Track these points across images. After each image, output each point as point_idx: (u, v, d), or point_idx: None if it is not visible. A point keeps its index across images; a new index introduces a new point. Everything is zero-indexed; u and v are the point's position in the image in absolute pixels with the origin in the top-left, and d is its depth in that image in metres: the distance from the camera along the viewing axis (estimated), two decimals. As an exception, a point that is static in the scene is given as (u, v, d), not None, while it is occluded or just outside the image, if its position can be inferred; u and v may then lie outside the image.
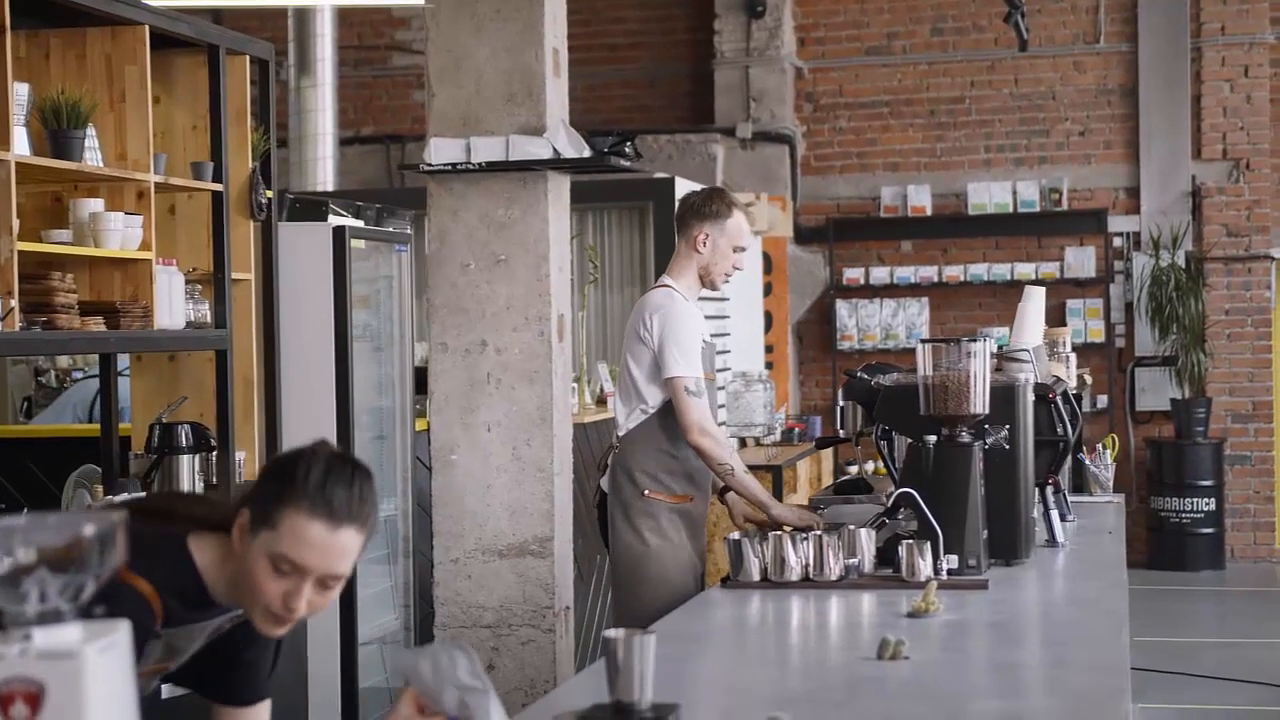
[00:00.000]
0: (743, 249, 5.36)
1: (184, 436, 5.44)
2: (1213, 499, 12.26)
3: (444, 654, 2.55)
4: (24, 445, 6.62)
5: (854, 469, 12.25)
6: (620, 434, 5.33)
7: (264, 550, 2.57)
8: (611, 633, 2.76)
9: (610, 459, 5.40)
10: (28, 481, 6.35)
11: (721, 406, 9.95)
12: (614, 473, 5.30)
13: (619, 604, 5.34)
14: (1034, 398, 4.84)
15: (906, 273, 12.89)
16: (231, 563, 2.64)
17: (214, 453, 5.60)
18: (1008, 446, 4.54)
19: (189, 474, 5.44)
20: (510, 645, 5.73)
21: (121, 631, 1.80)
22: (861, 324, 12.98)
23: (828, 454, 11.28)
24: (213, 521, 2.70)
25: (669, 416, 5.21)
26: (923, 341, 4.49)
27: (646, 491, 5.21)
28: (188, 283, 5.53)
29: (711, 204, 5.33)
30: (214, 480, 5.63)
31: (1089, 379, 9.48)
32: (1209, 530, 12.28)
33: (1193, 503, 12.24)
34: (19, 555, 1.76)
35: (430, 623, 6.04)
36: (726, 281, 5.46)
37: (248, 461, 5.88)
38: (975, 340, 4.46)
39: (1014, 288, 12.54)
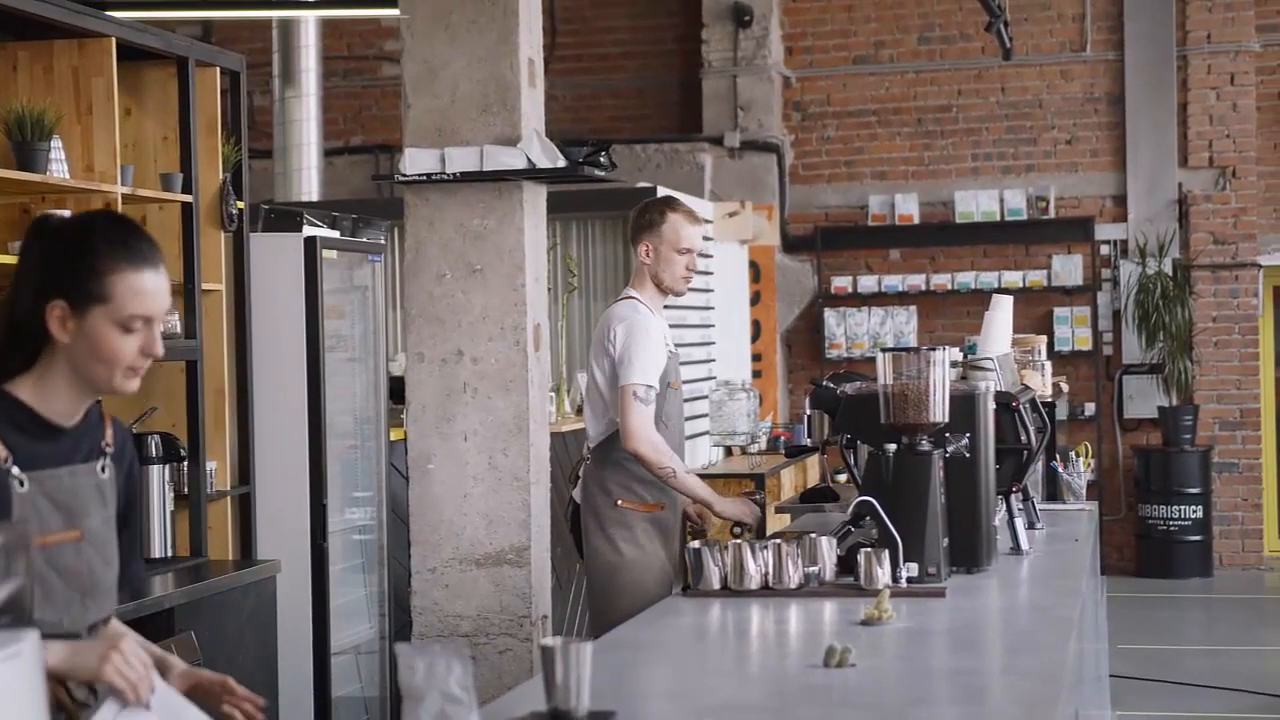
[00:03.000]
0: (688, 250, 5.42)
1: (154, 447, 5.45)
2: (1200, 506, 12.27)
3: (443, 658, 2.59)
4: None
5: (843, 478, 12.26)
6: (591, 445, 5.40)
7: (106, 321, 2.68)
8: (547, 641, 2.78)
9: (581, 470, 5.44)
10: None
11: (703, 416, 9.98)
12: (586, 484, 5.38)
13: (595, 615, 5.38)
14: (997, 406, 4.85)
15: (894, 281, 12.90)
16: (57, 367, 2.72)
17: (184, 463, 5.62)
18: (968, 455, 4.55)
19: (159, 484, 5.45)
20: (487, 654, 5.74)
21: (28, 641, 1.82)
22: (850, 332, 12.99)
23: (814, 462, 11.29)
24: (6, 374, 2.73)
25: None
26: (883, 350, 4.50)
27: (620, 502, 5.30)
28: (158, 293, 5.54)
29: (645, 214, 5.47)
30: (185, 491, 5.65)
31: (1065, 387, 9.49)
32: (1196, 538, 12.28)
33: (1180, 510, 12.25)
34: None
35: (407, 632, 6.05)
36: (687, 284, 5.51)
37: (219, 472, 5.90)
38: (935, 349, 4.47)
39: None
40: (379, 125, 13.68)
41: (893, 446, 4.43)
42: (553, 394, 8.20)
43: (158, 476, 5.46)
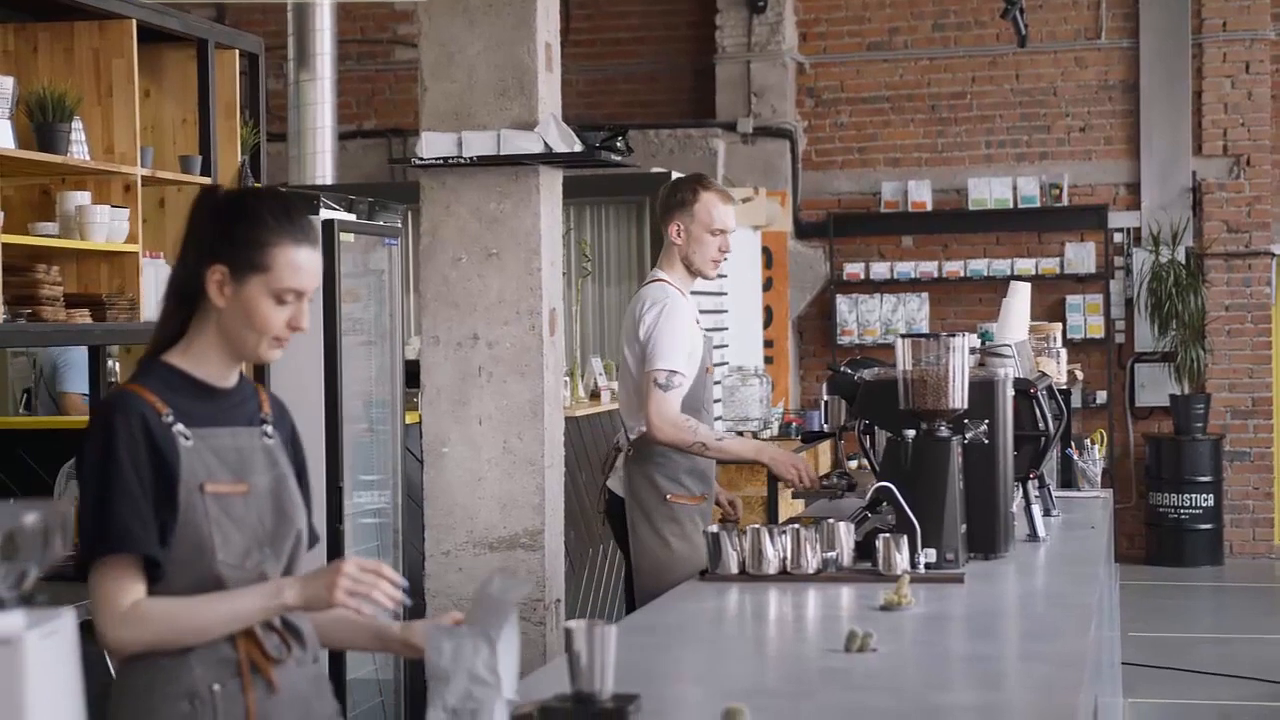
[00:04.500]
0: (720, 231, 5.25)
1: (172, 428, 5.45)
2: (1211, 495, 12.27)
3: (469, 640, 2.61)
4: (18, 436, 6.65)
5: (854, 464, 12.25)
6: (633, 436, 5.23)
7: (263, 291, 2.79)
8: (572, 624, 2.78)
9: (619, 461, 5.29)
10: (20, 472, 6.37)
11: (716, 401, 9.98)
12: (631, 477, 5.22)
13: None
14: (1015, 393, 4.85)
15: (907, 268, 12.90)
16: (208, 332, 2.83)
17: (202, 444, 5.62)
18: (987, 441, 4.55)
19: (177, 466, 5.45)
20: (500, 638, 5.75)
21: (65, 620, 1.83)
22: (862, 319, 12.99)
23: (826, 448, 11.29)
24: (165, 341, 2.87)
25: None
26: (902, 336, 4.50)
27: (669, 496, 5.16)
28: (176, 275, 5.55)
29: (677, 193, 5.28)
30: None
31: (1080, 375, 9.52)
32: (1207, 526, 12.29)
33: (1191, 499, 12.25)
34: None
35: (421, 615, 6.06)
36: (717, 267, 5.34)
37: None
38: (955, 336, 4.46)
39: (1014, 283, 12.54)
40: (392, 109, 13.68)
41: (912, 432, 4.43)
42: (566, 379, 8.20)
43: (175, 459, 5.45)
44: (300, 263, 2.81)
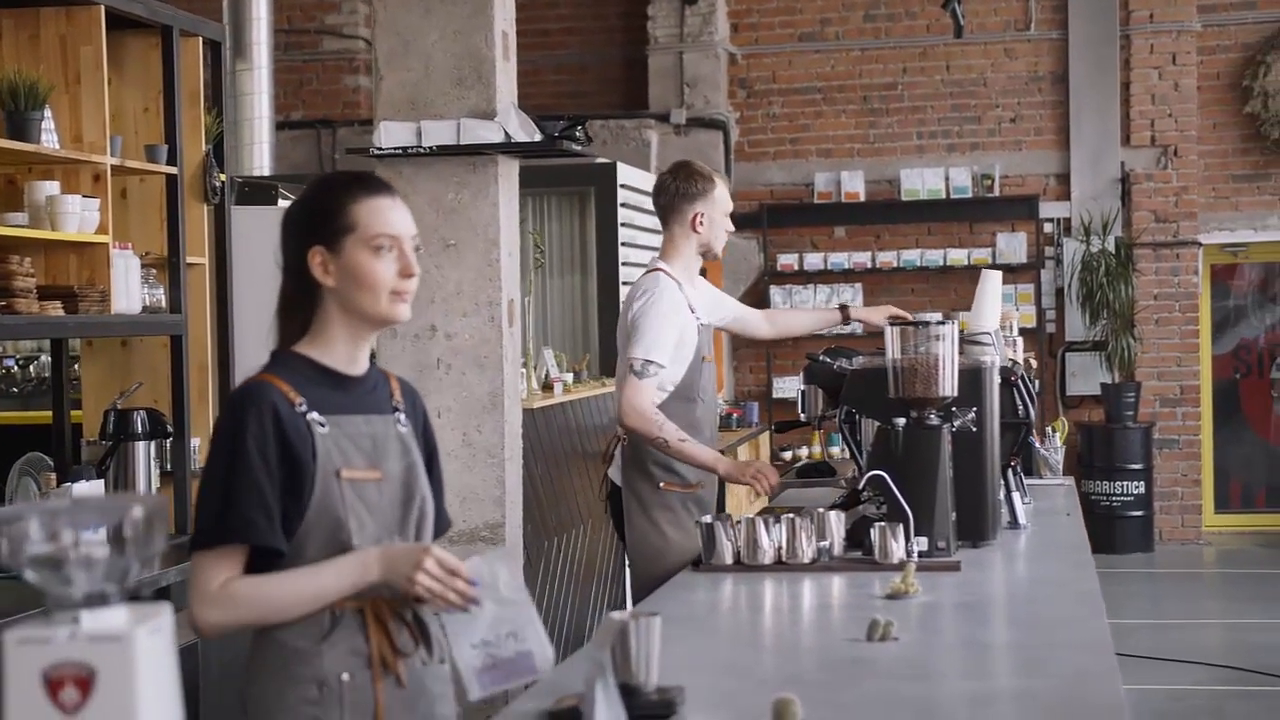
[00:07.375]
0: (728, 212, 5.44)
1: (139, 423, 5.36)
2: (1142, 482, 12.41)
3: (486, 567, 2.63)
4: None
5: (788, 454, 12.29)
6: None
7: (359, 247, 2.84)
8: (618, 615, 2.76)
9: (616, 450, 5.26)
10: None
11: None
12: (626, 466, 5.20)
13: (640, 597, 5.22)
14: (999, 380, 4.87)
15: (840, 258, 12.94)
16: (330, 316, 2.86)
17: (169, 439, 5.53)
18: (975, 429, 4.56)
19: (144, 460, 5.37)
20: (462, 631, 5.70)
21: (165, 614, 1.78)
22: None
23: (765, 439, 11.33)
24: (289, 338, 2.91)
25: (676, 405, 5.12)
26: (891, 324, 4.50)
27: (662, 484, 5.16)
28: (143, 267, 5.46)
29: (696, 183, 5.33)
30: (169, 468, 5.56)
31: (1034, 362, 9.61)
32: (1138, 513, 12.43)
33: (1122, 486, 12.38)
34: (65, 538, 1.74)
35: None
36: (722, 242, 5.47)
37: (203, 448, 5.81)
38: (944, 323, 4.47)
39: (946, 273, 12.65)
40: (321, 100, 13.53)
41: (902, 421, 4.43)
42: (522, 371, 8.16)
43: (143, 453, 5.37)
44: (383, 208, 2.86)
